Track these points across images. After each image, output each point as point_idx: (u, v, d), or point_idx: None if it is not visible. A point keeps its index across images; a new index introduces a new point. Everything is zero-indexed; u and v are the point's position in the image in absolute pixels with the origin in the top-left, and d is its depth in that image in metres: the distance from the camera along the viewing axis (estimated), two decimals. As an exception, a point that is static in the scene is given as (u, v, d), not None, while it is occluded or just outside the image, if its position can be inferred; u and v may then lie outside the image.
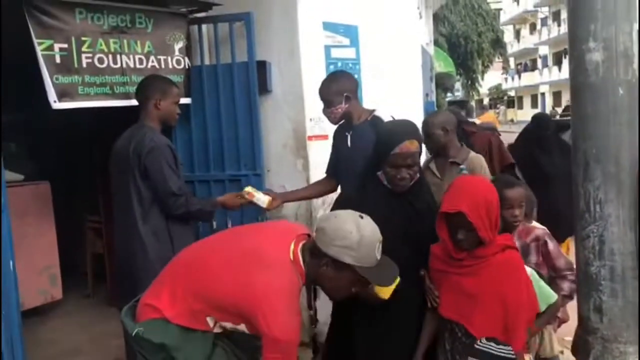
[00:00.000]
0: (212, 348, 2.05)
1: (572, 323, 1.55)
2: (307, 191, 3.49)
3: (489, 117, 17.00)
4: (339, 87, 2.96)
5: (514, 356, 1.95)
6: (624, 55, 1.30)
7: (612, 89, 1.30)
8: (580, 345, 1.40)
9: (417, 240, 2.27)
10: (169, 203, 2.96)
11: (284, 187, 4.15)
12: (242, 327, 2.02)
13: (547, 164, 4.64)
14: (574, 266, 2.60)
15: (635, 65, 1.32)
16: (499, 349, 1.97)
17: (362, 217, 2.04)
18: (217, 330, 2.05)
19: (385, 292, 2.22)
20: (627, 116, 1.30)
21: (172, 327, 2.00)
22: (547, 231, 2.85)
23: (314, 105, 3.94)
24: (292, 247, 2.03)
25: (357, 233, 1.99)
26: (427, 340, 2.26)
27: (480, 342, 1.99)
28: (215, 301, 1.98)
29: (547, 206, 3.64)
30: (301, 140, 3.93)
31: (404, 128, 2.34)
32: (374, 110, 3.07)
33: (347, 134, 3.02)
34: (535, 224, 2.87)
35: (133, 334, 2.00)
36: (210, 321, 2.02)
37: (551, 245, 2.76)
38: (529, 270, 2.43)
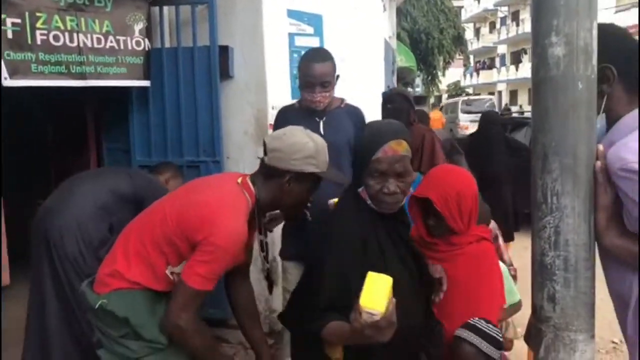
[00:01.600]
0: None
1: (526, 312, 1.59)
2: None
3: (434, 114, 17.19)
4: (334, 67, 2.79)
5: (501, 339, 1.99)
6: (584, 51, 1.33)
7: (572, 83, 1.32)
8: (533, 334, 1.43)
9: (419, 272, 1.90)
10: None
11: (238, 178, 4.16)
12: None
13: (494, 163, 4.73)
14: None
15: (595, 62, 1.35)
16: (489, 327, 1.99)
17: (305, 129, 2.14)
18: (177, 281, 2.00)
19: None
20: (585, 111, 1.33)
21: (138, 297, 1.97)
22: (496, 226, 2.92)
23: (276, 92, 3.91)
24: (238, 179, 2.07)
25: (312, 142, 2.08)
26: None
27: (477, 320, 2.02)
28: (165, 237, 1.95)
29: (495, 204, 3.71)
30: (263, 128, 3.90)
31: (388, 127, 1.84)
32: (343, 99, 2.99)
33: (318, 120, 2.84)
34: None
35: (96, 306, 1.96)
36: (169, 274, 1.99)
37: (500, 240, 2.84)
38: (502, 265, 2.48)
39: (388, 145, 1.74)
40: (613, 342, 4.11)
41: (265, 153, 2.08)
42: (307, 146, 2.05)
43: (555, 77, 1.34)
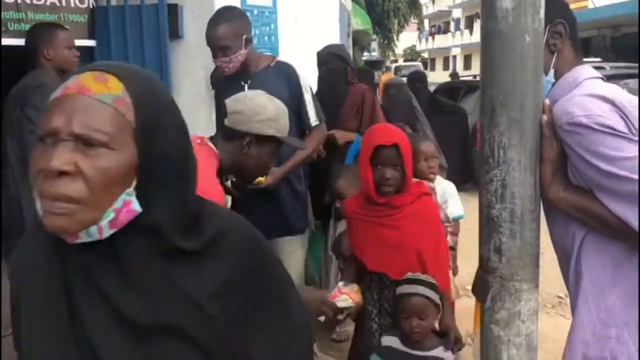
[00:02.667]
0: None
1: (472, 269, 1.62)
2: None
3: (385, 77, 17.40)
4: (238, 28, 2.63)
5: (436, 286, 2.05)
6: (532, 4, 1.33)
7: (520, 36, 1.33)
8: (479, 285, 1.46)
9: None
10: (31, 139, 2.81)
11: (198, 139, 4.08)
12: None
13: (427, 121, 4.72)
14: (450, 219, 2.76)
15: (542, 15, 1.36)
16: (425, 276, 2.05)
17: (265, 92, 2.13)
18: None
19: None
20: (532, 64, 1.34)
21: None
22: (432, 184, 2.97)
23: (228, 53, 3.80)
24: (197, 140, 2.02)
25: (272, 105, 2.08)
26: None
27: (410, 273, 2.07)
28: None
29: None
30: (215, 90, 3.81)
31: None
32: (275, 57, 2.85)
33: (243, 83, 2.72)
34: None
35: None
36: None
37: (434, 198, 2.87)
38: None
39: None
40: (559, 297, 4.28)
41: (225, 115, 2.06)
42: (267, 109, 2.05)
43: (504, 31, 1.34)
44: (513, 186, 1.36)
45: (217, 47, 2.61)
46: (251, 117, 2.03)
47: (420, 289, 2.04)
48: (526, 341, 1.42)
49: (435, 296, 2.04)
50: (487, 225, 1.41)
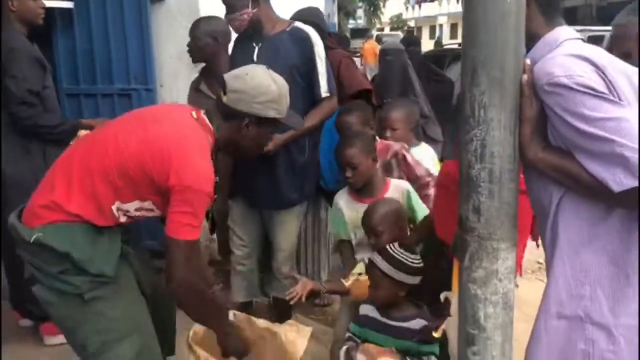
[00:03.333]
0: (119, 261, 1.92)
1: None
2: None
3: (368, 45, 17.20)
4: None
5: (421, 264, 2.08)
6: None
7: (502, -5, 1.31)
8: (458, 245, 1.48)
9: None
10: (14, 110, 2.79)
11: (193, 113, 4.02)
12: (148, 204, 1.90)
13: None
14: (431, 172, 2.78)
15: (524, -28, 1.34)
16: (400, 253, 2.08)
17: (268, 68, 2.05)
18: (122, 220, 1.90)
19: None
20: (514, 21, 1.33)
21: (76, 230, 1.81)
22: (405, 145, 2.96)
23: (210, 15, 3.73)
24: (193, 113, 1.96)
25: (275, 85, 2.00)
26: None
27: (392, 246, 2.10)
28: (119, 169, 1.81)
29: None
30: (197, 54, 3.75)
31: None
32: (292, 22, 2.77)
33: (254, 45, 2.69)
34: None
35: (31, 240, 1.78)
36: (115, 210, 1.86)
37: (409, 157, 2.89)
38: (405, 185, 2.57)
39: None
40: (538, 263, 4.36)
41: (224, 92, 1.97)
42: (269, 89, 1.97)
43: (486, -11, 1.32)
44: (492, 146, 1.36)
45: (225, 4, 2.64)
46: (253, 98, 1.95)
47: (381, 264, 2.12)
48: (503, 299, 1.44)
49: (394, 272, 2.10)
50: (466, 185, 1.41)
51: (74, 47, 3.72)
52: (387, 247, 2.16)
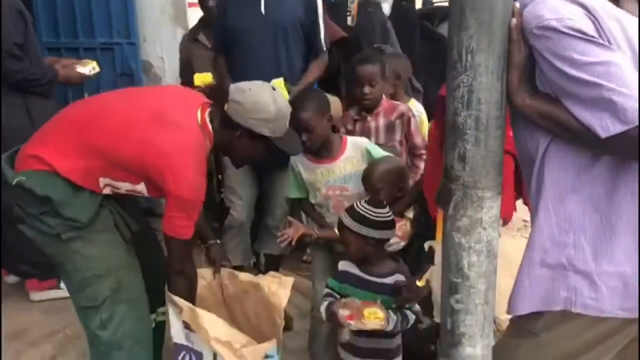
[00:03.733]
0: (99, 209, 2.00)
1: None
2: None
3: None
4: None
5: (390, 218, 2.07)
6: None
7: None
8: (443, 194, 1.46)
9: None
10: (5, 64, 2.74)
11: (163, 60, 3.93)
12: (140, 187, 2.01)
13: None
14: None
15: None
16: (370, 211, 2.07)
17: (274, 89, 2.10)
18: (106, 191, 1.99)
19: None
20: (503, -37, 1.29)
21: (59, 180, 1.91)
22: (411, 108, 2.94)
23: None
24: (198, 113, 2.01)
25: (274, 105, 2.04)
26: None
27: (357, 203, 2.09)
28: (117, 159, 1.92)
29: None
30: (181, 7, 3.68)
31: None
32: None
33: None
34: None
35: (14, 182, 1.89)
36: (101, 182, 1.96)
37: (413, 123, 2.85)
38: (364, 141, 2.55)
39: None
40: (524, 220, 4.39)
41: (226, 100, 2.06)
42: (267, 108, 2.03)
43: None
44: (479, 92, 1.33)
45: None
46: (248, 112, 2.02)
47: (348, 221, 2.15)
48: (487, 248, 1.43)
49: (360, 228, 2.12)
50: (452, 133, 1.39)
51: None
52: (354, 205, 2.15)
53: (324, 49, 2.82)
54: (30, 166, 1.92)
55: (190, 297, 2.13)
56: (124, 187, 2.01)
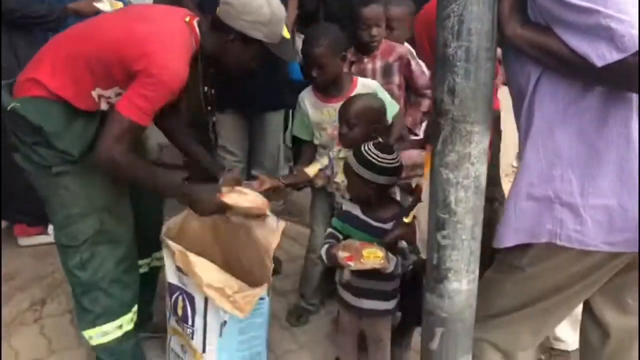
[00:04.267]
0: (94, 144, 1.93)
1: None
2: None
3: None
4: None
5: (396, 164, 2.05)
6: None
7: None
8: (432, 129, 1.44)
9: None
10: (4, 3, 2.69)
11: (186, 18, 3.80)
12: None
13: None
14: None
15: None
16: (370, 152, 2.05)
17: None
18: (103, 107, 1.96)
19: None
20: None
21: (54, 108, 1.89)
22: (411, 49, 2.85)
23: None
24: (187, 17, 1.97)
25: (268, 8, 1.98)
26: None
27: (366, 146, 2.07)
28: (100, 60, 1.87)
29: None
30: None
31: None
32: None
33: None
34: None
35: (8, 108, 1.88)
36: (95, 96, 1.93)
37: (413, 63, 2.77)
38: (374, 84, 2.48)
39: None
40: (513, 166, 4.40)
41: (219, 2, 2.00)
42: (260, 10, 1.96)
43: None
44: (470, 21, 1.28)
45: None
46: (240, 14, 1.95)
47: (353, 162, 2.15)
48: (474, 183, 1.42)
49: (361, 170, 2.11)
50: (442, 66, 1.35)
51: None
52: (362, 146, 2.12)
53: None
54: (27, 92, 1.90)
55: (140, 184, 2.05)
56: (114, 92, 1.95)
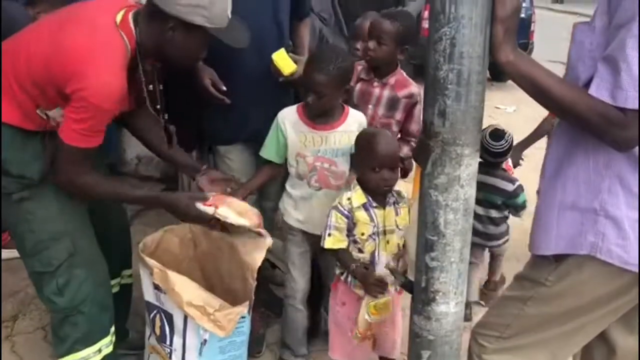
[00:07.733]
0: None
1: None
2: None
3: None
4: None
5: None
6: None
7: None
8: (421, 150, 1.44)
9: None
10: None
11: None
12: None
13: None
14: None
15: None
16: None
17: None
18: (54, 124, 1.87)
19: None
20: None
21: (6, 133, 1.82)
22: (421, 92, 2.71)
23: None
24: (121, 13, 1.80)
25: None
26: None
27: None
28: (31, 77, 1.78)
29: None
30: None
31: None
32: None
33: None
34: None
35: None
36: (41, 113, 1.85)
37: (417, 108, 2.52)
38: (363, 118, 2.36)
39: None
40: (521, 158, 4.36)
41: None
42: None
43: None
44: (462, 45, 1.29)
45: None
46: None
47: None
48: (464, 206, 1.42)
49: None
50: (433, 88, 1.35)
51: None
52: None
53: (308, 11, 2.62)
54: None
55: (107, 197, 2.03)
56: (58, 114, 1.84)
